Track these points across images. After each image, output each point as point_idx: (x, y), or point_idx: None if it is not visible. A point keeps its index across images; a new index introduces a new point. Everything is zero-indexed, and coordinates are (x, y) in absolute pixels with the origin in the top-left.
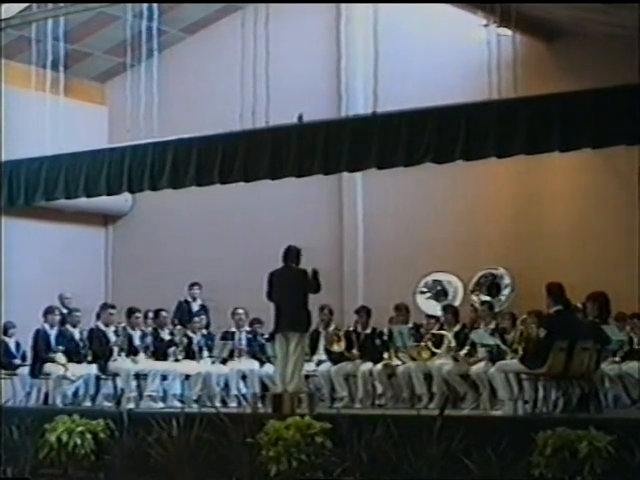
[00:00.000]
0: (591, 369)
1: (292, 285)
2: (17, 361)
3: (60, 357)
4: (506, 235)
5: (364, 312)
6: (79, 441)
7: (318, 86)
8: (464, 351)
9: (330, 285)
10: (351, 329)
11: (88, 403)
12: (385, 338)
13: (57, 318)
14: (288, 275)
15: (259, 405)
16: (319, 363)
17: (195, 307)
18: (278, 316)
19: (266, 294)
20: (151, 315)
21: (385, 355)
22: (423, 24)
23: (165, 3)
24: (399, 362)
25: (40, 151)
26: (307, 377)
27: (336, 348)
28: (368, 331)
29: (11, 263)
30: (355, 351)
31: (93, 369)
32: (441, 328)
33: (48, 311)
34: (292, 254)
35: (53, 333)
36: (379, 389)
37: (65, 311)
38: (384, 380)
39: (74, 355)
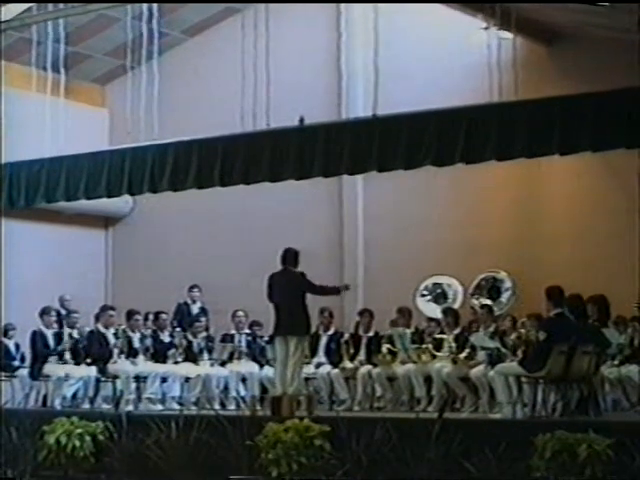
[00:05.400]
0: (591, 372)
1: (290, 288)
2: (16, 363)
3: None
4: (506, 238)
5: (367, 315)
6: (78, 443)
7: (318, 88)
8: (464, 354)
9: None
10: (352, 332)
11: (87, 405)
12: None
13: (53, 319)
14: (286, 278)
15: (258, 408)
16: (318, 366)
17: (195, 309)
18: (277, 319)
19: (267, 296)
20: (151, 317)
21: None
22: (423, 27)
23: (166, 3)
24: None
25: (40, 153)
26: (307, 380)
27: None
28: (370, 334)
29: (11, 265)
30: (363, 357)
31: (92, 371)
32: (441, 331)
33: (44, 312)
34: (290, 256)
35: (50, 333)
36: (378, 392)
37: (64, 312)
38: (383, 382)
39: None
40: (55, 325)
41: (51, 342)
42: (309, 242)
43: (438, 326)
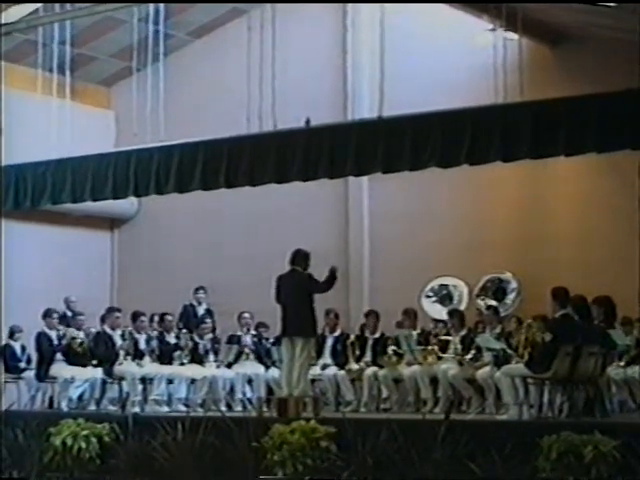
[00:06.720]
0: (597, 374)
1: (297, 289)
2: (22, 365)
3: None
4: (512, 239)
5: (373, 316)
6: (84, 445)
7: (324, 90)
8: (470, 355)
9: (336, 289)
10: (358, 334)
11: (93, 407)
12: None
13: (55, 321)
14: (293, 279)
15: (264, 409)
16: (324, 367)
17: (200, 311)
18: (284, 320)
19: (275, 297)
20: (156, 319)
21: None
22: (429, 28)
23: (172, 3)
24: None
25: (46, 155)
26: (313, 381)
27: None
28: (377, 335)
29: (16, 267)
30: (368, 359)
31: (99, 373)
32: (447, 333)
33: (47, 314)
34: (299, 258)
35: (54, 335)
36: (384, 393)
37: (69, 314)
38: (389, 384)
39: (75, 359)
40: (59, 326)
41: (56, 343)
42: (315, 243)
43: (444, 327)
